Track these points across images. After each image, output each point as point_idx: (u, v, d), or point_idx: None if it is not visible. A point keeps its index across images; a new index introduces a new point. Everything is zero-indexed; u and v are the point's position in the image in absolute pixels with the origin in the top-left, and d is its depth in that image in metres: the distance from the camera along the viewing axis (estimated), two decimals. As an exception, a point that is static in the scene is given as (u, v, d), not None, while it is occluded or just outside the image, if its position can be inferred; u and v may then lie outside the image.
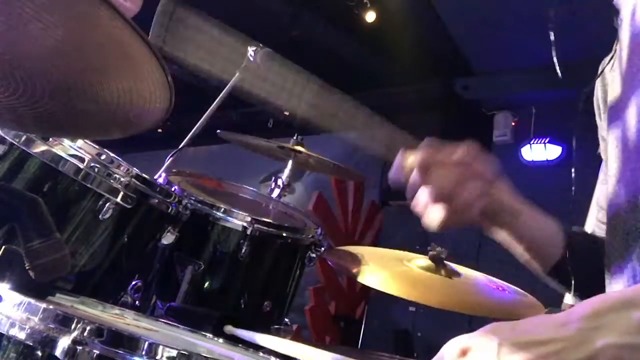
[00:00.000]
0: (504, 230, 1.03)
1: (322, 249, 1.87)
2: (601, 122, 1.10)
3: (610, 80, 1.04)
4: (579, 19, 3.53)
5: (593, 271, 0.95)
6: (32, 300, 0.77)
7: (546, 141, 4.74)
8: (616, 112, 0.96)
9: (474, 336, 0.61)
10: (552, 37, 0.97)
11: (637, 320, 0.57)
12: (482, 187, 0.92)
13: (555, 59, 0.97)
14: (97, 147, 1.39)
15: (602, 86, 1.08)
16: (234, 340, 1.11)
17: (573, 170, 1.11)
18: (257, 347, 1.09)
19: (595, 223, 1.18)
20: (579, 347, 0.56)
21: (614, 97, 0.99)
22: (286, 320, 1.85)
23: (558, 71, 0.98)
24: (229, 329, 1.19)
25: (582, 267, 0.94)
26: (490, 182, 0.93)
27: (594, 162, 1.21)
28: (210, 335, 1.10)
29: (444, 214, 0.92)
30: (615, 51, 1.02)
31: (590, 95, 1.12)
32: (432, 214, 0.92)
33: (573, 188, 1.04)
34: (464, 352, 0.60)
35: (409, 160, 0.94)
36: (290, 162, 2.33)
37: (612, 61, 1.03)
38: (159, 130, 6.03)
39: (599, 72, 1.08)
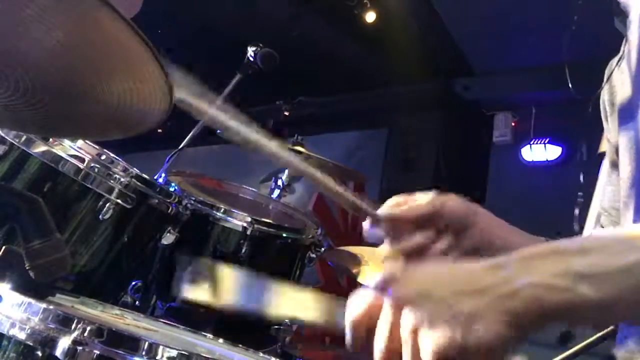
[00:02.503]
0: None
1: (322, 249, 1.87)
2: (608, 125, 1.09)
3: (619, 82, 1.03)
4: (579, 20, 3.53)
5: None
6: (32, 301, 0.77)
7: (546, 141, 4.73)
8: (629, 113, 0.95)
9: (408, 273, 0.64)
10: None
11: (561, 266, 0.60)
12: (452, 239, 0.90)
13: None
14: (97, 147, 1.39)
15: (609, 88, 1.07)
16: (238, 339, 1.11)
17: (582, 175, 1.12)
18: (258, 347, 1.09)
19: (594, 227, 1.17)
20: (504, 285, 0.59)
21: (625, 99, 0.99)
22: (286, 320, 1.85)
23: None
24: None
25: None
26: (462, 229, 0.91)
27: (594, 162, 1.20)
28: (210, 336, 1.10)
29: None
30: (623, 52, 1.02)
31: (592, 98, 1.11)
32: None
33: (580, 193, 1.04)
34: (387, 282, 0.62)
35: (377, 221, 0.92)
36: (290, 162, 2.32)
37: (619, 63, 1.03)
38: (159, 130, 6.03)
39: (607, 75, 1.07)
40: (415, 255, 0.89)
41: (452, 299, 0.59)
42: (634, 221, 0.92)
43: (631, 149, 0.94)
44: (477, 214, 0.94)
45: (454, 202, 0.93)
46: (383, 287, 0.63)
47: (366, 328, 0.64)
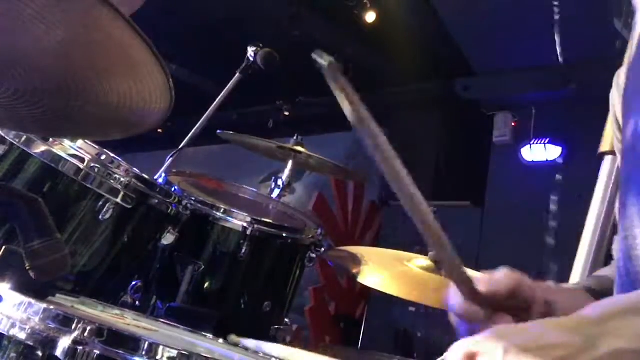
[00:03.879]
0: None
1: (322, 249, 1.87)
2: (620, 134, 1.08)
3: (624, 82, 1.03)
4: (579, 20, 3.53)
5: None
6: (33, 301, 0.77)
7: (546, 141, 4.74)
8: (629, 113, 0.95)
9: (479, 340, 0.61)
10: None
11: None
12: (513, 320, 0.83)
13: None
14: (97, 147, 1.39)
15: (618, 90, 1.07)
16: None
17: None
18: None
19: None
20: (584, 352, 0.56)
21: (628, 98, 0.98)
22: (286, 320, 1.85)
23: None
24: (233, 338, 1.18)
25: None
26: (524, 308, 0.84)
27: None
28: (210, 336, 1.10)
29: None
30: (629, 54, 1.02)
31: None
32: None
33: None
34: (469, 358, 0.60)
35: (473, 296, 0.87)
36: (290, 162, 2.33)
37: (625, 70, 1.03)
38: (159, 131, 6.03)
39: (616, 76, 1.07)
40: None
41: (531, 352, 0.56)
42: (626, 217, 0.90)
43: (626, 146, 0.93)
44: (537, 290, 0.88)
45: (529, 287, 0.86)
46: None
47: None
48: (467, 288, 0.80)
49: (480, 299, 0.81)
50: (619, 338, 0.56)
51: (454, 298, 0.83)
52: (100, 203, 1.39)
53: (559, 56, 3.94)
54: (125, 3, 0.67)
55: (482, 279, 0.82)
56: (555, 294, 0.92)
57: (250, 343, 1.11)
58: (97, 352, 0.71)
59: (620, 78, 1.05)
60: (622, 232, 0.90)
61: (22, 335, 0.73)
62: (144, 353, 0.72)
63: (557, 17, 3.52)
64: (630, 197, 0.86)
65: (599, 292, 0.99)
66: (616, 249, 0.93)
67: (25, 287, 0.86)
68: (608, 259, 1.41)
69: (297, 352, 0.98)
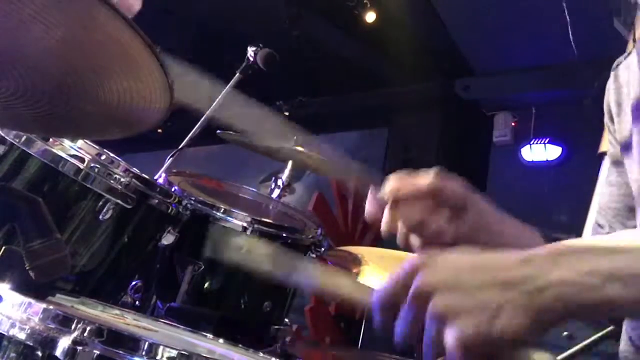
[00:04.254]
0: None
1: (322, 249, 1.87)
2: (614, 125, 1.09)
3: (625, 80, 1.03)
4: (579, 20, 3.53)
5: None
6: (32, 301, 0.77)
7: (546, 141, 4.74)
8: None
9: (436, 255, 0.64)
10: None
11: (590, 265, 0.60)
12: (450, 216, 0.92)
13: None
14: (97, 147, 1.39)
15: (615, 88, 1.07)
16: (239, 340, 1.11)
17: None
18: (258, 347, 1.08)
19: (593, 227, 1.17)
20: (533, 279, 0.59)
21: (637, 98, 0.98)
22: (286, 320, 1.85)
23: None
24: None
25: None
26: (460, 208, 0.93)
27: (595, 162, 1.20)
28: (210, 336, 1.10)
29: (417, 243, 0.93)
30: (630, 51, 1.02)
31: (588, 94, 1.11)
32: (409, 242, 0.95)
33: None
34: (423, 266, 0.63)
35: (379, 196, 0.95)
36: (290, 162, 2.33)
37: (626, 60, 1.02)
38: (159, 130, 6.03)
39: (613, 74, 1.07)
40: (417, 229, 0.92)
41: (479, 289, 0.59)
42: None
43: None
44: (474, 198, 0.96)
45: (454, 183, 0.95)
46: (411, 271, 0.63)
47: (392, 309, 0.65)
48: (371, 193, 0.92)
49: (391, 197, 0.91)
50: (566, 270, 0.59)
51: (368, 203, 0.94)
52: (100, 203, 1.39)
53: (560, 56, 3.94)
54: (120, 6, 0.67)
55: (401, 179, 0.94)
56: (503, 219, 1.01)
57: None
58: (96, 352, 0.71)
59: (620, 71, 1.05)
60: None
61: (21, 335, 0.73)
62: (143, 353, 0.72)
63: (557, 17, 3.52)
64: None
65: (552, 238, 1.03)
66: None
67: (25, 287, 0.86)
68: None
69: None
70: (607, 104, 1.09)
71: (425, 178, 0.94)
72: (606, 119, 1.10)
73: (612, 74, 1.08)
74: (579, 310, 0.59)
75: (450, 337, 0.58)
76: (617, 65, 1.07)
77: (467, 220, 0.94)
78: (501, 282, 0.59)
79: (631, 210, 1.02)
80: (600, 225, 1.12)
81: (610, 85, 1.08)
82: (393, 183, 0.93)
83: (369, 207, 0.95)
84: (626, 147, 1.00)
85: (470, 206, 0.94)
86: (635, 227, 0.99)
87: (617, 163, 1.07)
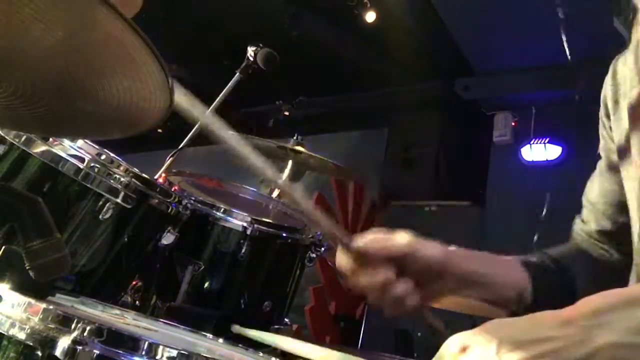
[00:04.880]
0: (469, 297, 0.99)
1: (322, 249, 1.87)
2: (609, 123, 1.08)
3: (622, 77, 1.03)
4: (579, 20, 3.53)
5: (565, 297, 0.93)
6: (32, 300, 0.77)
7: (546, 141, 4.74)
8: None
9: (474, 333, 0.61)
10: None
11: (638, 319, 0.56)
12: (419, 282, 0.88)
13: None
14: (97, 147, 1.39)
15: (612, 85, 1.06)
16: (239, 340, 1.11)
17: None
18: (259, 346, 1.09)
19: (577, 222, 1.17)
20: (578, 346, 0.56)
21: (633, 101, 0.98)
22: (286, 320, 1.85)
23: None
24: (237, 328, 1.19)
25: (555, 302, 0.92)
26: (434, 274, 0.88)
27: (595, 162, 1.20)
28: (210, 336, 1.10)
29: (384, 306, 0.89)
30: (628, 48, 1.01)
31: (588, 94, 1.11)
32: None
33: None
34: (463, 349, 0.60)
35: (345, 257, 0.90)
36: (290, 162, 2.33)
37: (623, 57, 1.02)
38: (159, 130, 6.03)
39: (611, 71, 1.07)
40: (378, 292, 0.87)
41: (524, 345, 0.56)
42: None
43: None
44: (451, 259, 0.91)
45: (428, 248, 0.89)
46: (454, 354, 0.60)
47: None
48: (342, 243, 0.86)
49: (357, 254, 0.85)
50: (613, 331, 0.56)
51: (339, 255, 0.88)
52: (100, 203, 1.39)
53: (560, 56, 3.94)
54: (121, 6, 0.67)
55: (376, 238, 0.87)
56: (473, 263, 0.94)
57: (252, 333, 1.12)
58: (96, 352, 0.71)
59: (618, 68, 1.04)
60: None
61: (21, 335, 0.73)
62: (143, 353, 0.72)
63: (557, 17, 3.52)
64: None
65: (539, 264, 1.01)
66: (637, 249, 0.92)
67: (25, 287, 0.86)
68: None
69: (297, 342, 0.98)
70: (604, 98, 1.08)
71: (400, 240, 0.88)
72: (602, 113, 1.10)
73: (610, 68, 1.07)
74: None
75: None
76: (617, 60, 1.07)
77: (444, 285, 0.90)
78: (547, 353, 0.55)
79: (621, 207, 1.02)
80: (584, 221, 1.12)
81: (608, 80, 1.07)
82: (366, 240, 0.87)
83: (338, 257, 0.90)
84: (623, 152, 0.99)
85: (447, 272, 0.90)
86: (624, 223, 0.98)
87: (611, 162, 1.07)
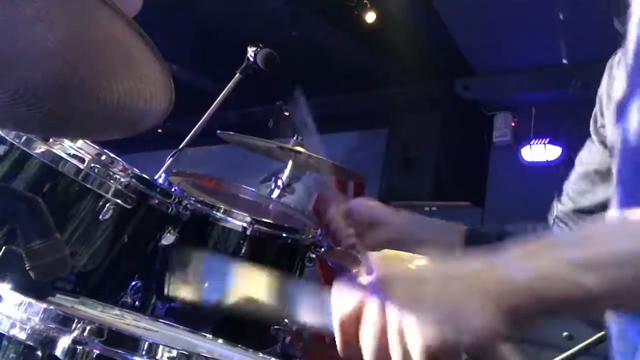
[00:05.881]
0: None
1: (322, 249, 1.87)
2: (602, 118, 1.10)
3: (617, 73, 1.04)
4: (579, 20, 3.53)
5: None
6: (33, 301, 0.77)
7: (546, 142, 4.74)
8: (622, 110, 0.96)
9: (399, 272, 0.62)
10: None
11: (559, 257, 0.57)
12: (361, 231, 1.21)
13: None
14: (97, 147, 1.39)
15: (608, 80, 1.09)
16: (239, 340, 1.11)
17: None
18: (258, 346, 1.09)
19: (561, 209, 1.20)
20: (499, 279, 0.56)
21: (620, 96, 0.99)
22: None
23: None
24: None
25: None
26: (372, 226, 1.23)
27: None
28: (210, 336, 1.10)
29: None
30: (622, 47, 1.02)
31: (588, 94, 1.13)
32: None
33: None
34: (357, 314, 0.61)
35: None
36: (290, 163, 2.33)
37: (618, 57, 1.04)
38: (159, 131, 6.03)
39: (608, 67, 1.09)
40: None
41: (442, 292, 0.55)
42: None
43: (620, 145, 0.94)
44: (389, 214, 1.16)
45: (361, 204, 1.18)
46: (370, 287, 0.60)
47: (355, 329, 0.60)
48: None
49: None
50: (535, 265, 0.56)
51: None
52: (100, 203, 1.39)
53: (560, 56, 3.94)
54: (121, 6, 0.67)
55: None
56: (426, 226, 1.16)
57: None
58: (96, 352, 0.71)
59: (614, 68, 1.06)
60: None
61: (22, 335, 0.73)
62: (143, 353, 0.72)
63: (557, 17, 3.52)
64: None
65: (484, 233, 1.15)
66: None
67: (25, 287, 0.86)
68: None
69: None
70: (600, 93, 1.10)
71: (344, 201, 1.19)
72: (596, 108, 1.12)
73: (607, 66, 1.09)
74: (555, 305, 0.56)
75: (416, 346, 0.54)
76: (612, 59, 1.09)
77: (384, 234, 1.16)
78: (465, 282, 0.56)
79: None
80: (562, 204, 1.17)
81: (604, 78, 1.10)
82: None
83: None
84: (612, 148, 1.01)
85: (385, 223, 1.16)
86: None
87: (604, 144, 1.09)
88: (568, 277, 0.55)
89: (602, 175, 1.08)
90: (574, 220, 1.14)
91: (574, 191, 1.15)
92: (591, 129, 1.15)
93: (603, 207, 1.01)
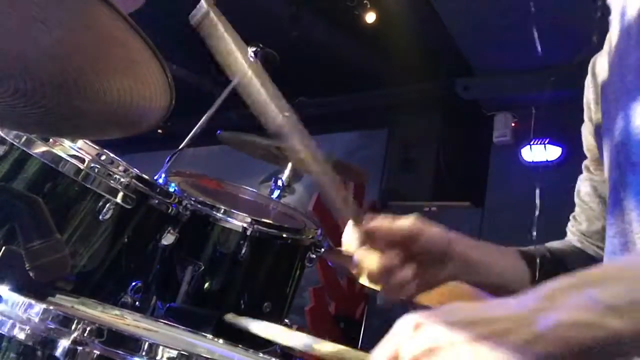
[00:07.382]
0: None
1: (322, 249, 1.87)
2: (592, 124, 1.09)
3: (601, 68, 1.04)
4: (579, 20, 3.53)
5: None
6: (33, 301, 0.76)
7: (546, 142, 4.74)
8: (609, 114, 0.96)
9: (429, 313, 0.62)
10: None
11: (587, 298, 0.56)
12: (421, 267, 0.91)
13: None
14: (97, 147, 1.39)
15: (593, 87, 1.07)
16: (239, 340, 1.11)
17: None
18: (257, 346, 1.09)
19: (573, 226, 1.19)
20: (527, 326, 0.56)
21: (604, 79, 0.99)
22: (286, 320, 1.85)
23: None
24: (230, 317, 1.21)
25: None
26: (438, 257, 0.92)
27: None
28: (210, 336, 1.10)
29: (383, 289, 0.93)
30: (604, 48, 1.02)
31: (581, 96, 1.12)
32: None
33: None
34: (417, 327, 0.60)
35: (353, 235, 0.92)
36: (290, 163, 2.33)
37: (602, 58, 1.03)
38: (159, 131, 6.03)
39: (590, 70, 1.08)
40: (381, 276, 0.90)
41: (474, 344, 0.56)
42: (610, 224, 0.92)
43: (609, 154, 0.94)
44: (454, 245, 0.94)
45: (432, 231, 0.93)
46: (405, 333, 0.60)
47: None
48: (353, 215, 0.88)
49: (365, 234, 0.88)
50: (562, 311, 0.56)
51: (348, 229, 0.91)
52: (100, 203, 1.39)
53: (560, 56, 3.94)
54: (121, 6, 0.67)
55: (384, 219, 0.90)
56: (486, 255, 0.99)
57: (244, 321, 1.13)
58: (96, 352, 0.71)
59: (596, 69, 1.05)
60: (617, 237, 0.90)
61: (21, 336, 0.73)
62: (143, 353, 0.72)
63: (557, 17, 3.52)
64: (627, 201, 0.86)
65: (536, 253, 1.04)
66: (607, 250, 0.93)
67: (25, 287, 0.86)
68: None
69: (282, 330, 1.00)
70: (587, 101, 1.09)
71: (405, 221, 0.91)
72: (585, 117, 1.11)
73: (589, 68, 1.08)
74: (583, 350, 0.55)
75: None
76: (594, 61, 1.08)
77: (447, 270, 0.93)
78: (493, 333, 0.56)
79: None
80: (577, 221, 1.15)
81: (588, 81, 1.08)
82: (372, 223, 0.91)
83: (346, 235, 0.94)
84: (600, 133, 1.00)
85: (449, 257, 0.93)
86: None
87: (597, 164, 1.08)
88: (598, 322, 0.55)
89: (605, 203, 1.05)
90: (595, 240, 1.12)
91: (588, 211, 1.14)
92: (585, 146, 1.13)
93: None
